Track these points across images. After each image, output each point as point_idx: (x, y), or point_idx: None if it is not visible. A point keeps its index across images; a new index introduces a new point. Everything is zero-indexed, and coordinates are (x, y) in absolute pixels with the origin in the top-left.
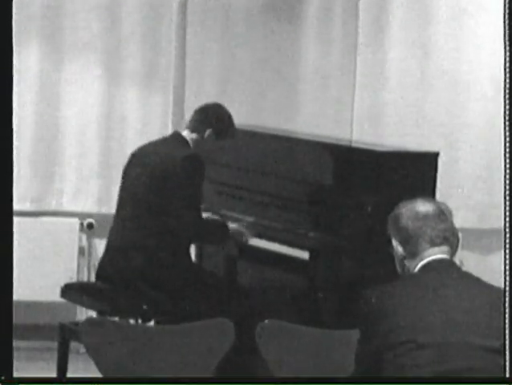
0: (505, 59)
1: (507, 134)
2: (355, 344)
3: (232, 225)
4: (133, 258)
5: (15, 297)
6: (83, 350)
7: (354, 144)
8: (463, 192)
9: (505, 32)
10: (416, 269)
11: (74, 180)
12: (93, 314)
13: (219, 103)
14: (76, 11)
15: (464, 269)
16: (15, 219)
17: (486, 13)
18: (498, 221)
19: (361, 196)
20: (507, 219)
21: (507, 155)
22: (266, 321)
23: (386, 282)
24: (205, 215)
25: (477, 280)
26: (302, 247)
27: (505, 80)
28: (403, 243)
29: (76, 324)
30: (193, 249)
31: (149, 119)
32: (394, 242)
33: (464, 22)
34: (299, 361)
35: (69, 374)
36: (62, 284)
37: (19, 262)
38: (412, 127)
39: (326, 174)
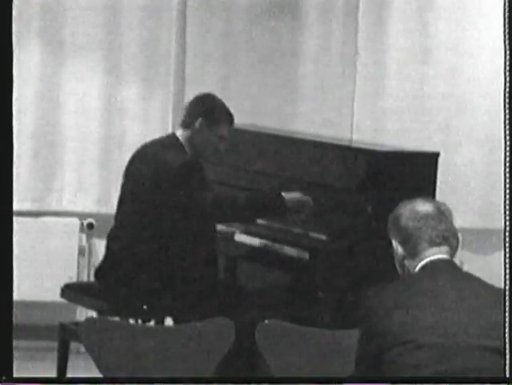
0: (505, 59)
1: (507, 134)
2: (355, 344)
3: (292, 194)
4: (133, 259)
5: (15, 297)
6: (83, 350)
7: (354, 144)
8: (463, 192)
9: (505, 32)
10: (416, 269)
11: (74, 180)
12: (93, 314)
13: (209, 92)
14: (76, 11)
15: (464, 269)
16: (15, 219)
17: (486, 13)
18: (498, 221)
19: (361, 196)
20: (507, 219)
21: (507, 155)
22: (266, 321)
23: (386, 282)
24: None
25: (477, 280)
26: (302, 247)
27: (505, 80)
28: (403, 243)
29: (76, 324)
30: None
31: (149, 119)
32: (394, 242)
33: (464, 23)
34: (299, 361)
35: (69, 374)
36: (62, 284)
37: (19, 262)
38: (412, 126)
39: (326, 174)
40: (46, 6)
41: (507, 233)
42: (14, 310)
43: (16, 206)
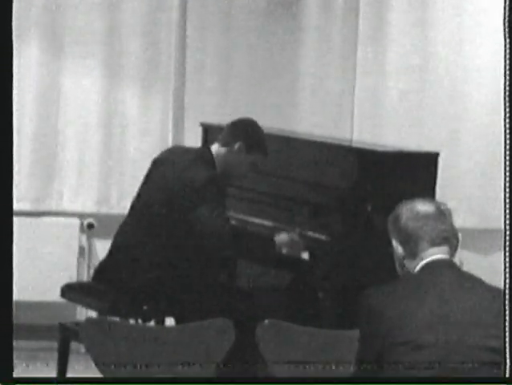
0: (505, 59)
1: (507, 134)
2: (355, 344)
3: (282, 236)
4: (134, 259)
5: (15, 297)
6: (83, 350)
7: (354, 144)
8: (463, 192)
9: (505, 32)
10: (416, 269)
11: (74, 180)
12: (93, 314)
13: (252, 118)
14: (76, 11)
15: (464, 269)
16: (15, 219)
17: (487, 13)
18: (498, 221)
19: (361, 196)
20: (507, 219)
21: (507, 154)
22: (266, 321)
23: (386, 282)
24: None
25: (477, 280)
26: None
27: (505, 80)
28: (403, 243)
29: (76, 324)
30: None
31: (149, 119)
32: (394, 242)
33: (464, 21)
34: (299, 361)
35: (69, 374)
36: (63, 284)
37: (19, 262)
38: (412, 127)
39: (326, 174)
40: (47, 6)
41: (507, 233)
42: (14, 310)
43: (16, 206)
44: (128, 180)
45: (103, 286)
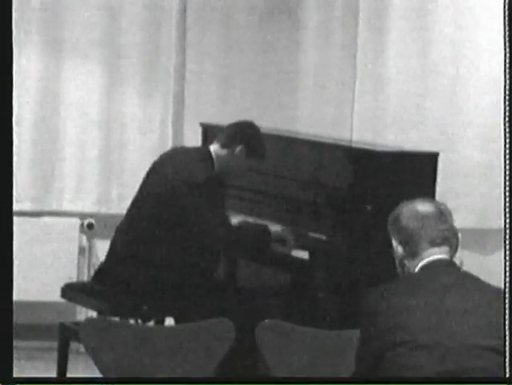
0: (505, 59)
1: (507, 134)
2: (355, 344)
3: (274, 229)
4: (134, 259)
5: (15, 297)
6: (83, 350)
7: (354, 144)
8: (463, 192)
9: (505, 32)
10: (416, 269)
11: (74, 180)
12: (93, 314)
13: (252, 122)
14: (76, 12)
15: (464, 269)
16: (15, 219)
17: (486, 12)
18: (498, 221)
19: (361, 196)
20: (507, 219)
21: (507, 155)
22: (266, 321)
23: (386, 282)
24: (235, 220)
25: (477, 280)
26: (302, 247)
27: (505, 80)
28: (403, 243)
29: (76, 324)
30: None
31: (149, 120)
32: (394, 242)
33: (464, 22)
34: (299, 361)
35: (69, 374)
36: (63, 284)
37: (19, 262)
38: (412, 127)
39: (326, 174)
40: (46, 7)
41: (507, 233)
42: (14, 310)
43: (16, 206)
44: (128, 180)
45: (103, 286)
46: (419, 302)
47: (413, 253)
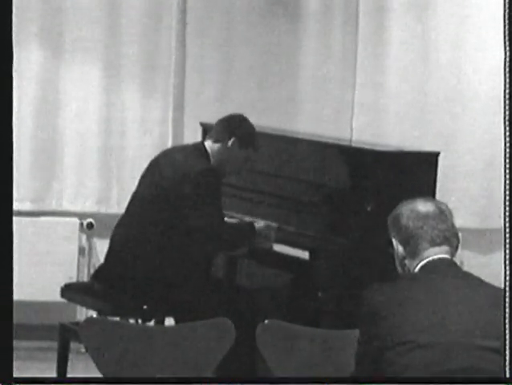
0: (505, 59)
1: (507, 134)
2: (355, 344)
3: (259, 225)
4: (134, 259)
5: (15, 297)
6: (83, 350)
7: (354, 144)
8: (463, 192)
9: (505, 32)
10: (417, 268)
11: (74, 180)
12: (93, 314)
13: (242, 114)
14: (76, 12)
15: (464, 269)
16: (15, 219)
17: (486, 13)
18: (498, 221)
19: (361, 196)
20: (507, 219)
21: (507, 155)
22: (266, 321)
23: (386, 282)
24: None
25: (478, 280)
26: (302, 247)
27: (505, 80)
28: (403, 243)
29: (76, 324)
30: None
31: (149, 119)
32: (394, 242)
33: (464, 22)
34: (299, 361)
35: (69, 374)
36: (63, 284)
37: (19, 262)
38: (412, 127)
39: (326, 174)
40: (46, 7)
41: (507, 233)
42: (14, 310)
43: (16, 206)
44: (128, 180)
45: (103, 286)
46: (419, 302)
47: (413, 252)
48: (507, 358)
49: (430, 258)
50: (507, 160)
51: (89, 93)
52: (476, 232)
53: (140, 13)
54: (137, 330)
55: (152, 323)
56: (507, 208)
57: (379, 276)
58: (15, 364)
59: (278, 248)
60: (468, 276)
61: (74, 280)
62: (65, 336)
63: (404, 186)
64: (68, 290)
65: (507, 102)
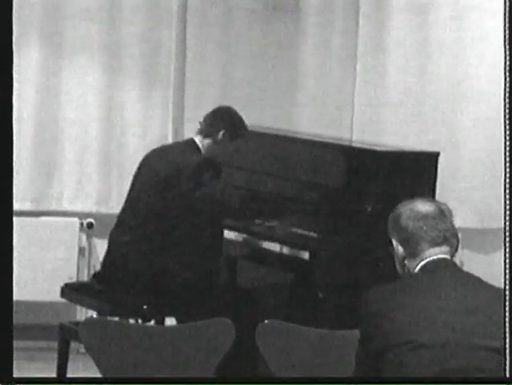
0: (505, 59)
1: (507, 134)
2: (355, 344)
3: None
4: (134, 264)
5: (15, 297)
6: (83, 350)
7: (354, 144)
8: (463, 192)
9: (505, 32)
10: (417, 269)
11: (74, 180)
12: (93, 314)
13: (229, 106)
14: (76, 11)
15: (464, 269)
16: (15, 219)
17: (486, 13)
18: (498, 221)
19: (361, 196)
20: (507, 219)
21: (507, 155)
22: (266, 321)
23: (386, 282)
24: None
25: (478, 280)
26: (302, 247)
27: (505, 79)
28: (403, 243)
29: (76, 324)
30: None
31: (149, 119)
32: (394, 242)
33: (464, 23)
34: (299, 361)
35: (69, 374)
36: (63, 284)
37: (19, 262)
38: (412, 127)
39: (326, 174)
40: (46, 6)
41: (507, 233)
42: (14, 310)
43: (16, 206)
44: (128, 180)
45: (103, 286)
46: (419, 302)
47: (413, 252)
48: (507, 358)
49: (430, 258)
50: (507, 160)
51: (89, 93)
52: (476, 232)
53: (140, 12)
54: (137, 330)
55: (152, 323)
56: (507, 208)
57: (379, 276)
58: (15, 364)
59: (278, 248)
60: (468, 276)
61: (74, 280)
62: (65, 336)
63: (404, 186)
64: (68, 290)
65: (507, 101)
